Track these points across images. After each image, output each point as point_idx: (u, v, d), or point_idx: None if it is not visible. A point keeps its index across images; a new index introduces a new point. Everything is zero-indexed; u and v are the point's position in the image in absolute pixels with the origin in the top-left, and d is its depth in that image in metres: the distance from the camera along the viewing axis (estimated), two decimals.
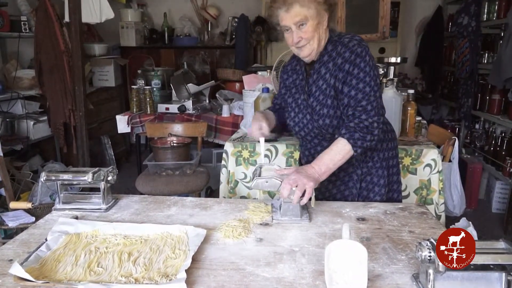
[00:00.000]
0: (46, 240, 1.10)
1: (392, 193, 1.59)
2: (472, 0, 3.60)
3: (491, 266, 0.84)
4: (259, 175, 1.31)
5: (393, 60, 2.45)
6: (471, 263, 0.82)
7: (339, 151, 1.31)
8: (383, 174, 1.52)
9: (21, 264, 0.95)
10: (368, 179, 1.51)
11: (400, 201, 1.62)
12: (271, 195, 2.14)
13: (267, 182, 1.26)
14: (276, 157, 2.10)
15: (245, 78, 2.91)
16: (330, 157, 1.30)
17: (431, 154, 1.99)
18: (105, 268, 0.99)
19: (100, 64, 4.09)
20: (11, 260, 1.03)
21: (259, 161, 2.10)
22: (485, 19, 3.57)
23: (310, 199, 1.24)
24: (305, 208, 1.32)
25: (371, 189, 1.52)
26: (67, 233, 1.15)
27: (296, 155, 2.09)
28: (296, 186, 1.22)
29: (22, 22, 3.30)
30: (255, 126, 1.49)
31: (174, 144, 2.63)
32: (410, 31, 4.81)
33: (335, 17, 1.42)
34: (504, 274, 0.85)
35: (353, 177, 1.50)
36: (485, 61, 3.61)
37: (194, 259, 1.01)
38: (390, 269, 0.99)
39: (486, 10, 3.55)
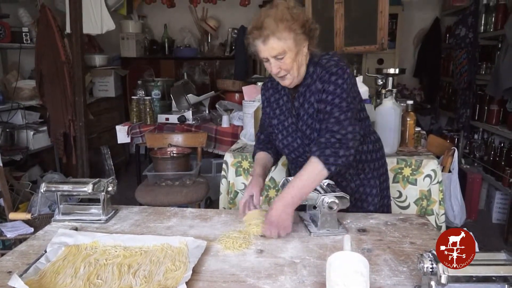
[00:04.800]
0: (45, 251, 1.10)
1: (384, 200, 1.59)
2: (469, 12, 3.64)
3: (493, 278, 0.83)
4: None
5: (391, 71, 2.46)
6: (473, 275, 0.81)
7: (309, 174, 1.24)
8: (375, 184, 1.53)
9: (20, 276, 0.94)
10: (361, 190, 1.52)
11: (389, 205, 1.63)
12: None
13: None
14: (275, 168, 2.10)
15: (245, 89, 2.93)
16: (302, 184, 1.24)
17: (431, 165, 1.99)
18: (104, 280, 0.98)
19: (101, 75, 4.11)
20: (10, 272, 1.02)
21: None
22: (482, 30, 3.60)
23: None
24: (339, 220, 1.30)
25: (365, 199, 1.53)
26: (66, 245, 1.14)
27: None
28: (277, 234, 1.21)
29: (23, 33, 3.32)
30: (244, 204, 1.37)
31: (174, 155, 2.62)
32: (408, 42, 4.85)
33: (315, 41, 1.35)
34: (506, 285, 0.85)
35: (347, 191, 1.48)
36: (483, 72, 3.64)
37: (195, 271, 1.00)
38: (392, 281, 0.98)
39: (483, 22, 3.58)
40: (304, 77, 1.39)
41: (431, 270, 0.84)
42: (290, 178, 1.34)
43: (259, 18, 1.28)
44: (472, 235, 0.84)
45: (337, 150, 1.23)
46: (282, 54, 1.28)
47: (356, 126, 1.30)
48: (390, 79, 2.45)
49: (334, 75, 1.30)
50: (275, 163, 1.59)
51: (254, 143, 2.26)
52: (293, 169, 1.58)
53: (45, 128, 3.47)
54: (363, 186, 1.51)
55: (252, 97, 2.71)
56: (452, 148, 2.19)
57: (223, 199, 2.16)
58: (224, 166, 2.17)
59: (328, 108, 1.30)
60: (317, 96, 1.34)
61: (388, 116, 2.02)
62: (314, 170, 1.24)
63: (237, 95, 3.56)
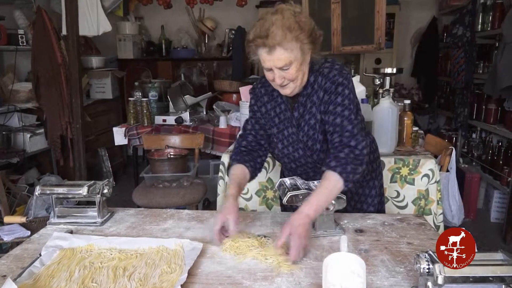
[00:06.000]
0: (40, 255, 1.09)
1: (380, 197, 1.60)
2: (467, 11, 3.64)
3: (490, 278, 0.83)
4: (289, 189, 1.25)
5: (389, 70, 2.46)
6: (470, 275, 0.81)
7: (331, 190, 1.19)
8: (374, 184, 1.53)
9: (15, 280, 0.93)
10: (361, 192, 1.52)
11: (383, 202, 1.63)
12: (269, 207, 2.13)
13: (301, 196, 1.21)
14: (273, 169, 2.09)
15: (242, 89, 2.92)
16: (325, 199, 1.18)
17: (429, 164, 1.99)
18: (99, 283, 0.97)
19: (98, 77, 4.10)
20: (4, 276, 1.01)
21: None
22: (479, 29, 3.60)
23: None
24: (336, 221, 1.29)
25: (364, 201, 1.52)
26: (61, 248, 1.13)
27: None
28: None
29: (19, 35, 3.31)
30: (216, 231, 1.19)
31: (171, 156, 2.62)
32: (405, 42, 4.85)
33: (319, 47, 1.29)
34: (503, 286, 0.84)
35: (347, 195, 1.47)
36: (481, 71, 3.64)
37: (190, 273, 0.99)
38: (389, 281, 0.98)
39: (480, 21, 3.58)
40: (304, 86, 1.34)
41: (427, 270, 0.83)
42: (286, 179, 1.33)
43: (262, 24, 1.19)
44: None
45: (357, 167, 1.20)
46: (288, 65, 1.22)
47: (367, 139, 1.29)
48: (388, 78, 2.45)
49: (340, 85, 1.27)
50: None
51: None
52: (287, 174, 1.55)
53: (42, 130, 3.45)
54: (362, 188, 1.52)
55: (249, 98, 2.70)
56: (450, 147, 2.18)
57: (220, 201, 2.15)
58: (221, 167, 2.16)
59: (338, 120, 1.26)
60: (322, 107, 1.30)
61: (385, 115, 2.02)
62: (336, 187, 1.18)
63: (234, 96, 3.56)
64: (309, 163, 1.41)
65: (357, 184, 1.49)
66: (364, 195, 1.52)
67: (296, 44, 1.20)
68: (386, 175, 2.00)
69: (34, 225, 2.16)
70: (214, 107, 3.33)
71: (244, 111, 2.53)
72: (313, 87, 1.33)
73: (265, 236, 1.22)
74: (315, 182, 1.32)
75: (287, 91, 1.30)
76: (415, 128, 2.29)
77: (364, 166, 1.24)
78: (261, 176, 2.10)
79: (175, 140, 2.76)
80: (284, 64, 1.21)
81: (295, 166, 1.44)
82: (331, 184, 1.19)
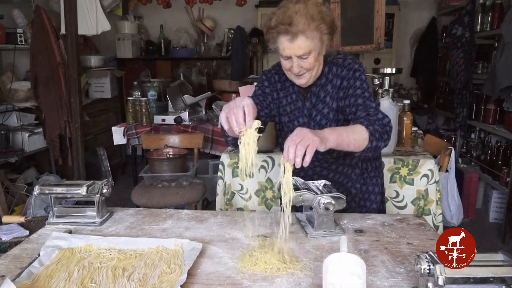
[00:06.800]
0: (38, 255, 1.08)
1: (381, 196, 1.60)
2: (466, 12, 3.64)
3: (491, 279, 0.83)
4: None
5: (388, 70, 2.46)
6: (470, 276, 0.81)
7: (355, 132, 1.15)
8: (377, 182, 1.54)
9: (13, 280, 0.93)
10: (364, 189, 1.52)
11: (384, 201, 1.64)
12: (268, 207, 2.13)
13: (301, 196, 1.20)
14: (272, 169, 2.09)
15: (241, 89, 2.91)
16: (347, 135, 1.13)
17: (428, 165, 1.99)
18: (98, 284, 0.97)
19: (97, 76, 4.09)
20: (3, 276, 1.01)
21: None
22: (478, 30, 3.60)
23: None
24: (335, 221, 1.29)
25: (367, 198, 1.53)
26: (60, 248, 1.13)
27: None
28: (299, 142, 1.02)
29: (18, 35, 3.30)
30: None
31: (170, 156, 2.61)
32: (404, 42, 4.85)
33: (334, 40, 1.32)
34: (503, 286, 0.84)
35: (351, 192, 1.49)
36: (480, 72, 3.64)
37: (190, 273, 0.99)
38: (389, 282, 0.97)
39: (479, 21, 3.59)
40: (318, 77, 1.36)
41: (428, 271, 0.83)
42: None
43: (285, 12, 1.21)
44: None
45: (383, 133, 1.20)
46: (307, 54, 1.24)
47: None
48: (387, 78, 2.44)
49: (357, 71, 1.31)
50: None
51: None
52: (294, 174, 1.55)
53: (40, 130, 3.44)
54: (366, 185, 1.52)
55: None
56: (449, 147, 2.19)
57: (219, 200, 2.15)
58: (220, 167, 2.16)
59: (360, 101, 1.28)
60: (341, 93, 1.32)
61: None
62: (362, 134, 1.16)
63: (233, 95, 3.54)
64: (319, 154, 1.40)
65: (362, 181, 1.50)
66: (367, 192, 1.53)
67: (317, 33, 1.23)
68: (386, 175, 2.00)
69: (33, 225, 2.16)
70: (213, 106, 3.32)
71: None
72: (327, 77, 1.36)
73: (265, 236, 1.22)
74: (315, 182, 1.31)
75: (303, 81, 1.33)
76: (414, 128, 2.29)
77: (387, 141, 1.23)
78: (261, 176, 2.10)
79: (174, 139, 2.75)
80: (304, 52, 1.23)
81: None
82: (357, 129, 1.17)
